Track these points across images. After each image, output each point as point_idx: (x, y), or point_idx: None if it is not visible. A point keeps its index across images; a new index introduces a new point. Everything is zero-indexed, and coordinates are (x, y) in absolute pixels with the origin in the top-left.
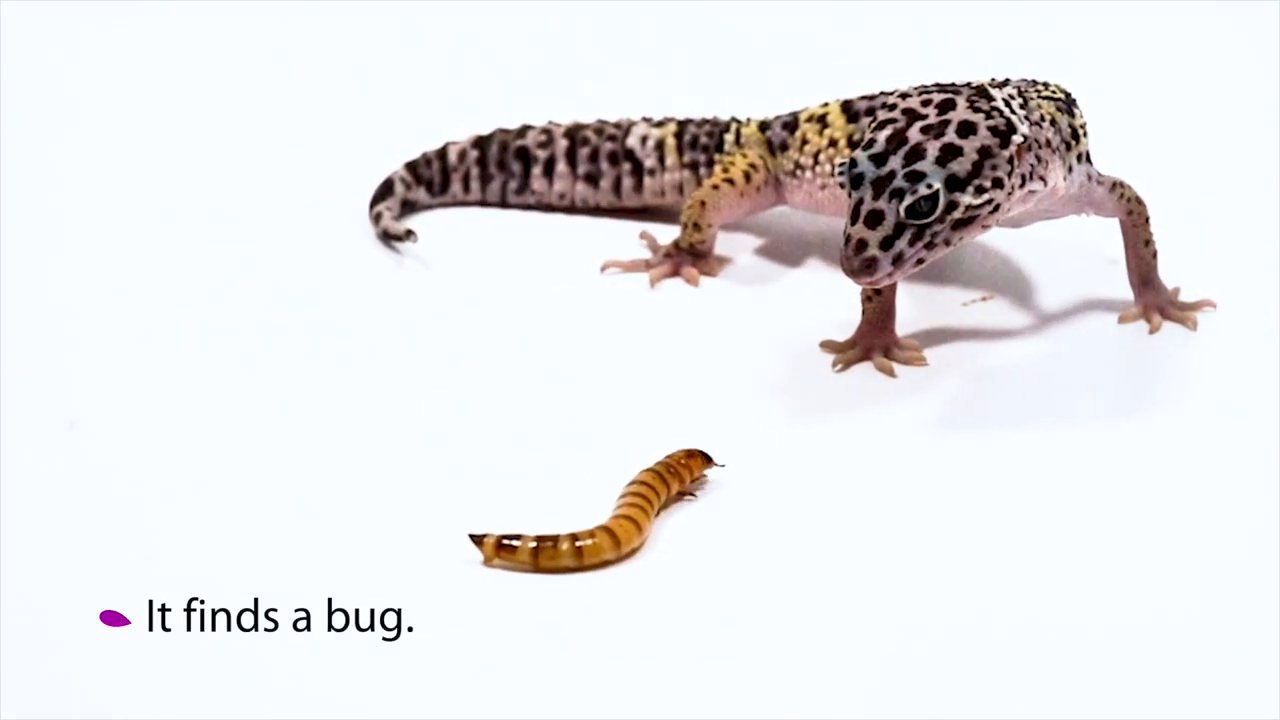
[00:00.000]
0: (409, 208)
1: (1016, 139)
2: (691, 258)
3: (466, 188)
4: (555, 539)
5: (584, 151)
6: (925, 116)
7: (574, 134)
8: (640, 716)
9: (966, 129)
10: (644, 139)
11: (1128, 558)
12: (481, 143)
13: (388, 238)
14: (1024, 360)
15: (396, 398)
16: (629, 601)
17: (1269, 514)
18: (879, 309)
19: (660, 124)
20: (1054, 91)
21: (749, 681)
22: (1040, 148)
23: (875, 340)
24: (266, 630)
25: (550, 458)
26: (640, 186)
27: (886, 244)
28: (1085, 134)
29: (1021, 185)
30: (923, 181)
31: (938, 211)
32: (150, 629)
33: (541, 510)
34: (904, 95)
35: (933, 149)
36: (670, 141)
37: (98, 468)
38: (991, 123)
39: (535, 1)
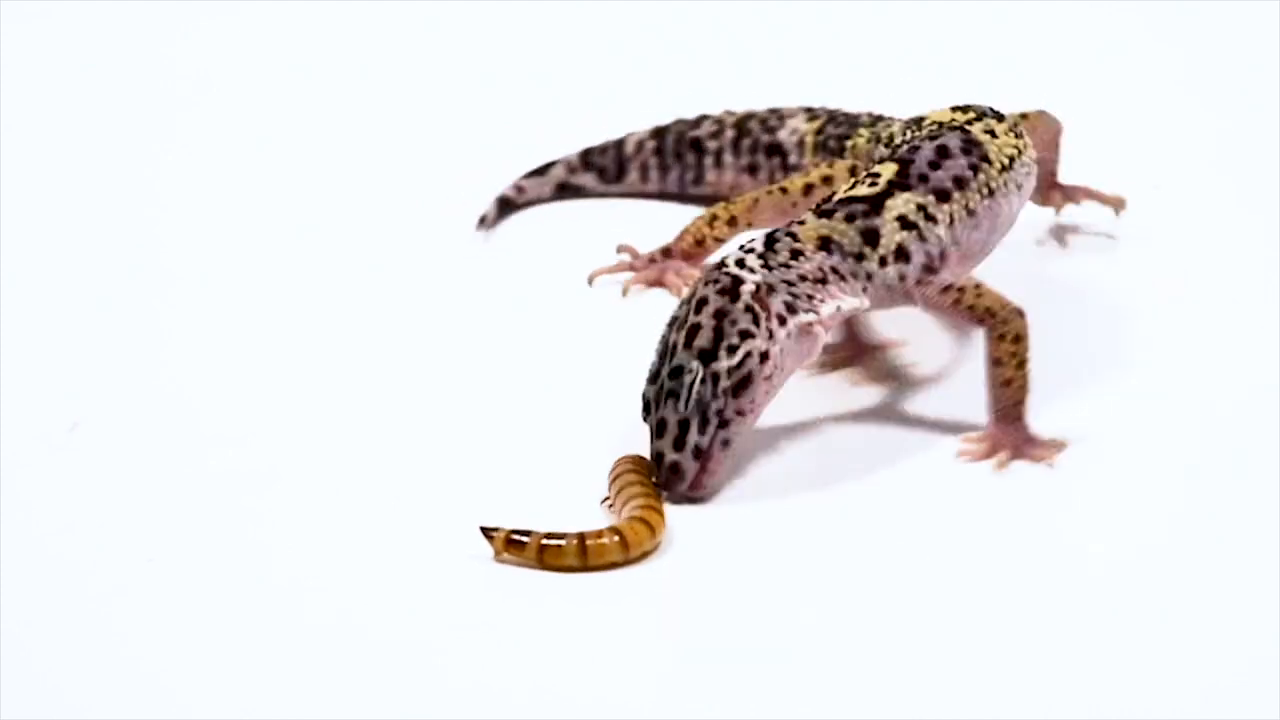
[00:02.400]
0: (568, 191)
1: (746, 289)
2: (680, 263)
3: (645, 177)
4: (563, 537)
5: (746, 143)
6: (680, 317)
7: (741, 124)
8: (638, 717)
9: (701, 304)
10: (793, 132)
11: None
12: (660, 133)
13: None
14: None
15: (417, 388)
16: (628, 603)
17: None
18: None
19: (814, 117)
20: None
21: (747, 683)
22: (794, 284)
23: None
24: (272, 623)
25: (531, 459)
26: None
27: (679, 444)
28: (923, 220)
29: (782, 324)
30: (683, 373)
31: (707, 390)
32: (154, 624)
33: (548, 508)
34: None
35: (680, 338)
36: (810, 140)
37: (100, 469)
38: (718, 286)
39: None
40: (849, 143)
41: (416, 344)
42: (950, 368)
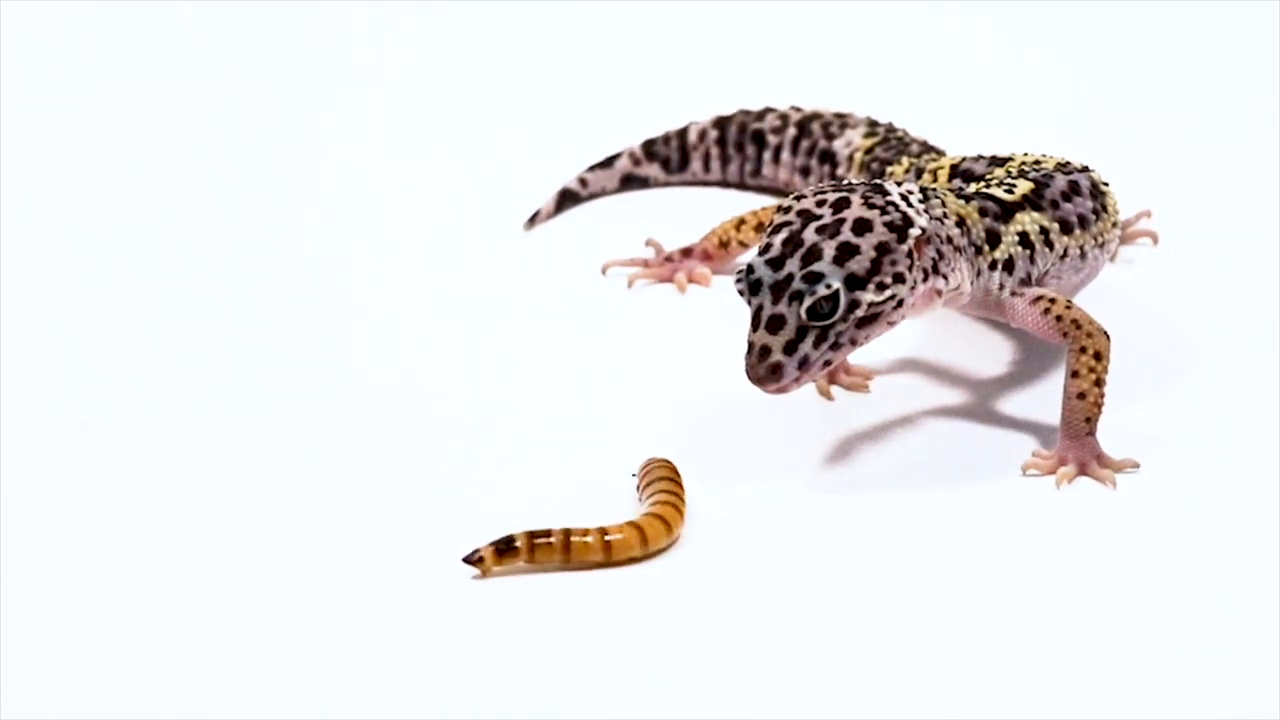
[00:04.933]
0: (634, 183)
1: (914, 232)
2: (695, 263)
3: (706, 167)
4: (549, 534)
5: (805, 144)
6: (820, 216)
7: (804, 124)
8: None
9: (862, 226)
10: (848, 144)
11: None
12: (722, 123)
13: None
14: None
15: (436, 384)
16: (609, 607)
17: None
18: None
19: (871, 134)
20: (998, 189)
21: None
22: (942, 243)
23: None
24: (281, 623)
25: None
26: None
27: (790, 348)
28: (1042, 244)
29: (925, 279)
30: (821, 282)
31: (840, 311)
32: (161, 624)
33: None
34: (799, 197)
35: (829, 248)
36: (858, 157)
37: (110, 469)
38: (887, 218)
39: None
40: (889, 169)
41: (451, 338)
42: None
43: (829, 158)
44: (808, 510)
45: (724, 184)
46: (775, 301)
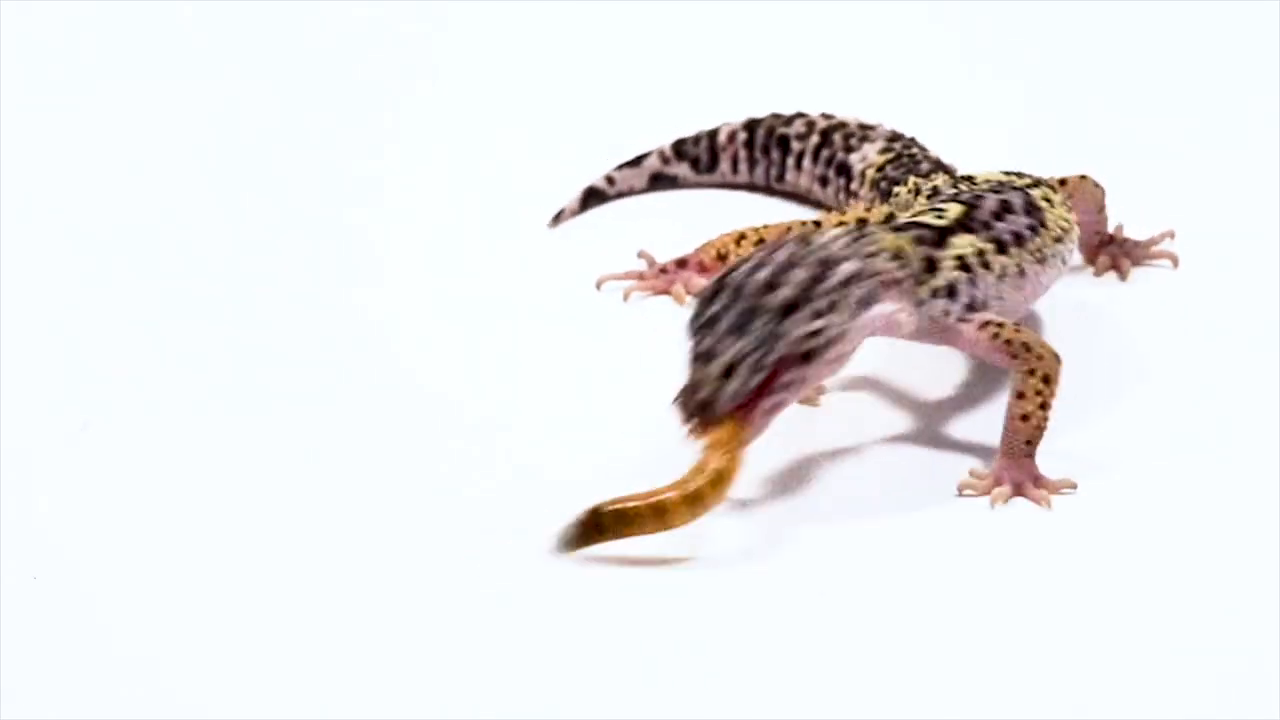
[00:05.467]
0: (662, 182)
1: (841, 270)
2: (691, 274)
3: (735, 168)
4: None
5: (826, 153)
6: (747, 281)
7: (828, 133)
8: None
9: (789, 267)
10: (863, 159)
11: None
12: (752, 126)
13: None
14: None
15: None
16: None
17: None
18: None
19: (887, 150)
20: (939, 213)
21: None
22: (870, 280)
23: None
24: (287, 625)
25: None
26: (846, 205)
27: (727, 374)
28: (979, 266)
29: (854, 318)
30: (758, 319)
31: (773, 346)
32: (165, 625)
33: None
34: (730, 270)
35: (762, 294)
36: (871, 173)
37: (111, 469)
38: (812, 258)
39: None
40: (896, 189)
41: (473, 336)
42: (976, 405)
43: (845, 170)
44: (757, 529)
45: (751, 186)
46: (712, 342)
